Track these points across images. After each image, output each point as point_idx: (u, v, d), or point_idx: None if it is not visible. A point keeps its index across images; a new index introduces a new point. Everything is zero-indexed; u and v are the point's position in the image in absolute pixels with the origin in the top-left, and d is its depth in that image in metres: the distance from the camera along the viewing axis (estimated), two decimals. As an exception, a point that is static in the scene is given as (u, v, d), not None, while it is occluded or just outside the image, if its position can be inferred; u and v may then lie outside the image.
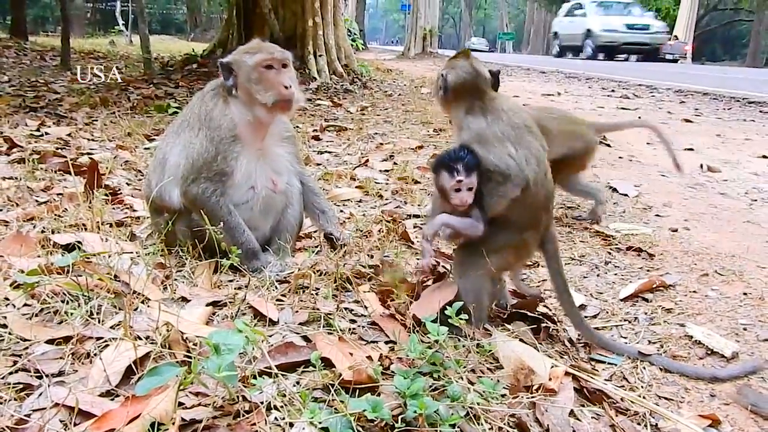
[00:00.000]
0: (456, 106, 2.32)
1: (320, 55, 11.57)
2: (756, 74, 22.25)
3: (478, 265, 2.22)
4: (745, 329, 2.53)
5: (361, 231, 3.24)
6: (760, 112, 10.24)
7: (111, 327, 2.00)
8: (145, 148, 5.25)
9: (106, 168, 4.19)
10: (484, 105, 2.26)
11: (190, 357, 1.78)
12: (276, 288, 2.45)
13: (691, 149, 6.66)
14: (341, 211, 3.69)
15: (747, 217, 4.15)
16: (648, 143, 6.94)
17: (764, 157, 6.36)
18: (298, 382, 1.78)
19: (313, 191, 2.97)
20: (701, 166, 5.73)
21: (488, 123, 2.22)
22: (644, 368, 2.22)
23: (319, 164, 5.11)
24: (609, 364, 2.26)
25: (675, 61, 36.32)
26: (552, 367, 2.03)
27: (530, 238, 2.29)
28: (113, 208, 3.38)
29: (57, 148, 4.84)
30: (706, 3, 54.97)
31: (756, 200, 4.64)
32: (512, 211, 2.20)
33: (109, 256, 2.48)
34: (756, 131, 8.13)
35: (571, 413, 1.88)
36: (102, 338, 1.92)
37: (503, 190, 2.16)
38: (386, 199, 4.12)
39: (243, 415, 1.59)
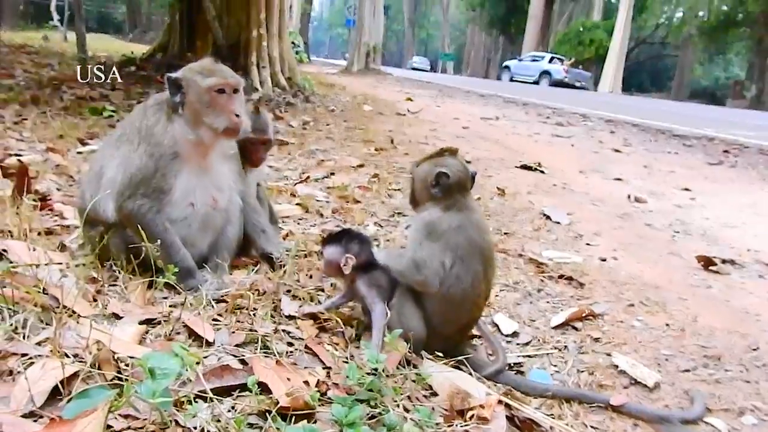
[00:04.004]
0: (434, 203, 2.32)
1: (263, 67, 11.46)
2: (680, 108, 23.43)
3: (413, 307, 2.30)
4: (666, 359, 2.64)
5: (303, 251, 3.21)
6: (683, 145, 10.78)
7: (37, 343, 1.91)
8: (78, 152, 5.06)
9: (36, 171, 4.02)
10: (460, 209, 2.29)
11: (120, 378, 1.73)
12: (213, 307, 2.41)
13: (620, 179, 6.96)
14: (281, 228, 3.66)
15: (670, 248, 4.35)
16: (580, 171, 7.20)
17: (686, 189, 6.70)
18: (233, 407, 1.75)
19: (255, 210, 2.93)
20: (629, 196, 5.98)
21: (451, 228, 2.24)
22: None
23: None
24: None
25: (584, 88, 38.55)
26: (486, 395, 2.08)
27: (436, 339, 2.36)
28: (42, 215, 3.24)
29: (-18, 148, 4.61)
30: (637, 36, 57.66)
31: (678, 232, 4.87)
32: (432, 307, 2.28)
33: (37, 267, 2.38)
34: (679, 164, 8.56)
35: (502, 441, 1.92)
36: (27, 355, 1.83)
37: (407, 275, 2.26)
38: (326, 218, 4.11)
39: (175, 441, 1.56)
